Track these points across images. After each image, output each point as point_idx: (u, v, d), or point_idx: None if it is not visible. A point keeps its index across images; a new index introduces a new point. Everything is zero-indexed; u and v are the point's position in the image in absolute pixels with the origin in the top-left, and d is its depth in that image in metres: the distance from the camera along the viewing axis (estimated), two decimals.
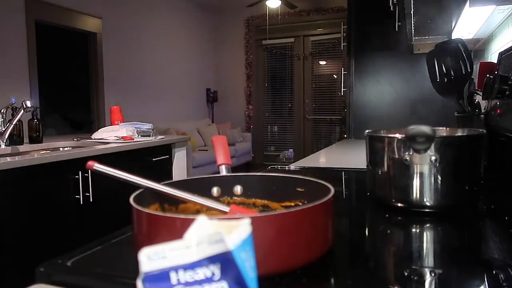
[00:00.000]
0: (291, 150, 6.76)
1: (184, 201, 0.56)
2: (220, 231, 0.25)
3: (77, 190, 1.88)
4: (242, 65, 6.96)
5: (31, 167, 1.66)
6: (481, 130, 0.77)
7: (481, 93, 1.18)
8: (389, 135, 0.74)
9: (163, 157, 2.55)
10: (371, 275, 0.49)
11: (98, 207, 1.99)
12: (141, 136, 2.46)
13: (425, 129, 0.64)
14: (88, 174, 1.91)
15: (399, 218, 0.71)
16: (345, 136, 2.59)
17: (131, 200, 0.49)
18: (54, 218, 1.80)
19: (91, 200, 1.94)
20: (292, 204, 0.61)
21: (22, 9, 3.67)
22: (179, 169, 2.75)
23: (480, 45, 1.88)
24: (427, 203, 0.69)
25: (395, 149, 0.70)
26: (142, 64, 5.34)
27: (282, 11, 6.40)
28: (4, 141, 2.06)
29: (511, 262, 0.51)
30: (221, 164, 0.64)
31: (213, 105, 6.98)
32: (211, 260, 0.25)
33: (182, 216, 0.43)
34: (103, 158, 2.02)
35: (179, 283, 0.25)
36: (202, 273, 0.25)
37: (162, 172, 2.55)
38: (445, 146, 0.68)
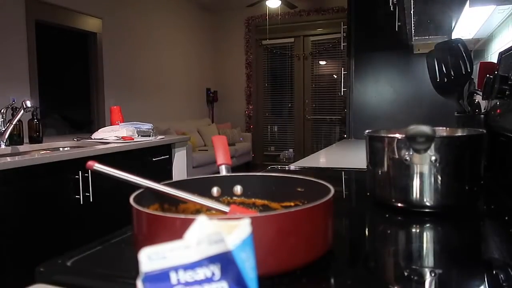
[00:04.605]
0: (291, 150, 6.76)
1: (184, 201, 0.56)
2: (220, 231, 0.25)
3: (77, 190, 1.88)
4: (242, 65, 6.95)
5: (31, 167, 1.66)
6: (481, 130, 0.77)
7: (481, 93, 1.18)
8: (389, 135, 0.74)
9: (163, 157, 2.55)
10: (371, 275, 0.49)
11: (98, 207, 1.99)
12: (141, 136, 2.46)
13: (425, 129, 0.64)
14: (88, 174, 1.91)
15: (399, 218, 0.71)
16: (345, 136, 2.59)
17: (131, 200, 0.49)
18: (54, 218, 1.80)
19: (91, 200, 1.94)
20: (292, 204, 0.61)
21: (22, 9, 3.66)
22: (179, 169, 2.74)
23: (480, 45, 1.88)
24: (427, 203, 0.69)
25: (395, 149, 0.70)
26: (142, 64, 5.34)
27: (282, 11, 6.40)
28: (4, 141, 2.06)
29: (511, 262, 0.51)
30: (221, 164, 0.64)
31: (213, 105, 6.97)
32: (211, 260, 0.25)
33: (182, 216, 0.43)
34: (103, 158, 2.02)
35: (179, 283, 0.25)
36: (202, 273, 0.25)
37: (162, 172, 2.55)
38: (445, 146, 0.68)
